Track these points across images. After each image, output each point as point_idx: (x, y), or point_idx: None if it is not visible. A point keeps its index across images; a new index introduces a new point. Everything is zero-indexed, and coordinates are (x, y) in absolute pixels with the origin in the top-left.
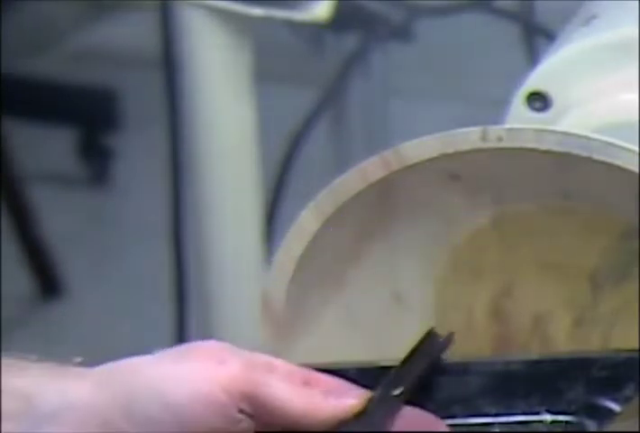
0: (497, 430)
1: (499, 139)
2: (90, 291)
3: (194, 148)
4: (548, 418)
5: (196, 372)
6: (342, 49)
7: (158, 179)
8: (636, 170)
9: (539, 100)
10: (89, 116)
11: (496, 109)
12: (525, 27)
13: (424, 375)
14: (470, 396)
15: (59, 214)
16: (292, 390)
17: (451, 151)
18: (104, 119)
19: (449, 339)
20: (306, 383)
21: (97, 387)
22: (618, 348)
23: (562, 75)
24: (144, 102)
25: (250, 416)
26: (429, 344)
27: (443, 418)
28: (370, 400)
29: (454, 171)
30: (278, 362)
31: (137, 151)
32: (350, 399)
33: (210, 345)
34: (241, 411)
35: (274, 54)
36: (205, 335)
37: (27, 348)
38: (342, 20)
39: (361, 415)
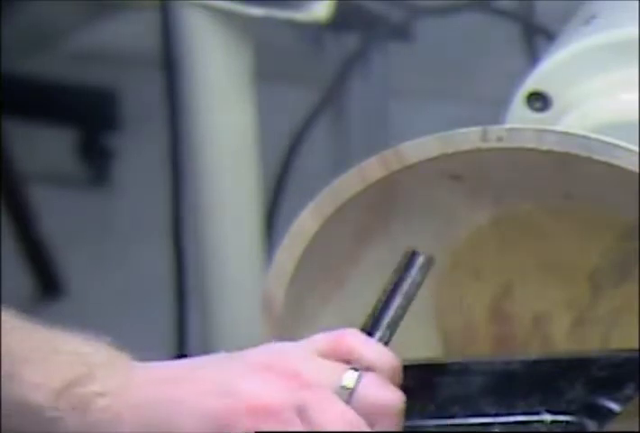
0: (497, 430)
1: (499, 139)
2: (90, 291)
3: (194, 148)
4: (548, 418)
5: None
6: (342, 49)
7: (158, 179)
8: (636, 170)
9: (539, 100)
10: (89, 116)
11: (496, 109)
12: (525, 27)
13: (410, 297)
14: (470, 396)
15: (59, 214)
16: None
17: (451, 151)
18: (103, 119)
19: (429, 260)
20: None
21: None
22: (618, 348)
23: (562, 75)
24: (144, 102)
25: None
26: (410, 265)
27: (443, 418)
28: None
29: (454, 171)
30: None
31: (137, 151)
32: None
33: None
34: None
35: (274, 54)
36: (205, 335)
37: None
38: (342, 20)
39: None
